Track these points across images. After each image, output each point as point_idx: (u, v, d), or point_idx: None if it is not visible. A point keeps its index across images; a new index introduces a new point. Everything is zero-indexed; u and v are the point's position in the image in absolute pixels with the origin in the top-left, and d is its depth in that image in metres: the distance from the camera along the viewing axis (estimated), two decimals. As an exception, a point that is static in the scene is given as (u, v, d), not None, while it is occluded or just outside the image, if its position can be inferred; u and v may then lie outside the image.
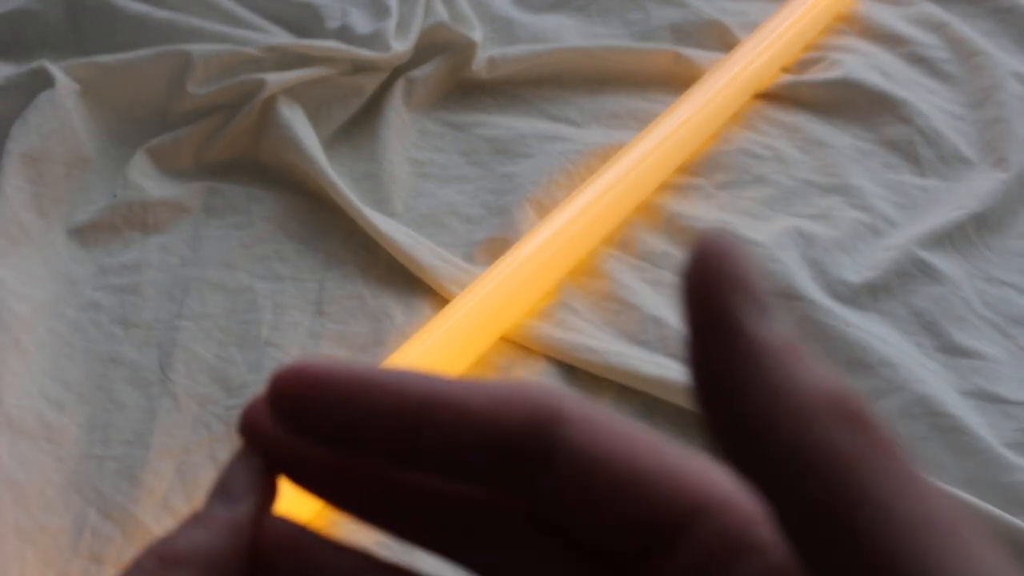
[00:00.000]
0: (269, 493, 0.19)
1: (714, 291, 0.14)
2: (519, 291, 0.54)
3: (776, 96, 0.73)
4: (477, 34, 0.72)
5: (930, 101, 0.72)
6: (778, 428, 0.14)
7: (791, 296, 0.56)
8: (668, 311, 0.56)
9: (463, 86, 0.72)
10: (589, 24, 0.79)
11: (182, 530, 0.18)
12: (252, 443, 0.19)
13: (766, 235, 0.60)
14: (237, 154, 0.65)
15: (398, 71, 0.70)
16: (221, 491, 0.19)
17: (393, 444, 0.17)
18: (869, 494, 0.13)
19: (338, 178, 0.61)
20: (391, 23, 0.71)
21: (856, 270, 0.59)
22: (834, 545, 0.13)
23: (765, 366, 0.14)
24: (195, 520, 0.18)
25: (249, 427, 0.19)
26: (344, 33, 0.71)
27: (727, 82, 0.68)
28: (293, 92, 0.65)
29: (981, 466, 0.49)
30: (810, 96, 0.72)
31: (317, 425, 0.18)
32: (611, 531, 0.17)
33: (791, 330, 0.14)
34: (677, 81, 0.73)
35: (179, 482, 0.47)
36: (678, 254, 0.60)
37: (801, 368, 0.14)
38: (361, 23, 0.72)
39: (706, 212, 0.62)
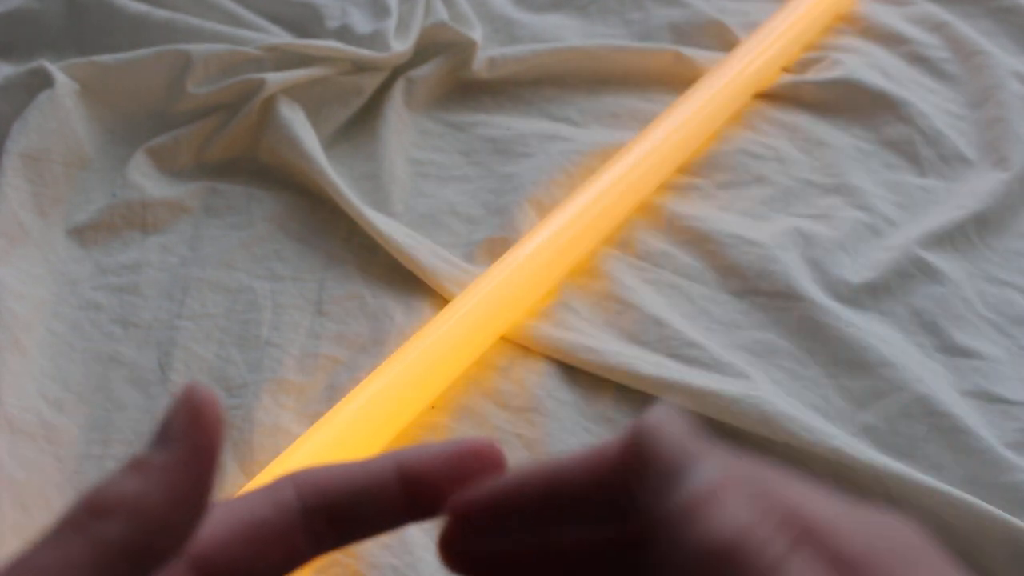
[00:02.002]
0: (207, 436, 0.18)
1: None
2: (519, 291, 0.54)
3: (776, 96, 0.72)
4: (477, 34, 0.72)
5: (931, 101, 0.72)
6: None
7: (791, 296, 0.56)
8: (668, 311, 0.56)
9: (463, 86, 0.72)
10: (589, 24, 0.79)
11: (114, 478, 0.18)
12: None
13: (766, 235, 0.60)
14: (237, 154, 0.64)
15: (398, 71, 0.70)
16: (160, 436, 0.18)
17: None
18: None
19: (338, 178, 0.61)
20: (391, 23, 0.71)
21: (856, 270, 0.59)
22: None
23: None
24: (129, 467, 0.18)
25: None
26: (344, 33, 0.71)
27: (727, 82, 0.68)
28: (293, 92, 0.65)
29: (981, 466, 0.49)
30: (810, 96, 0.72)
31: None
32: None
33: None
34: (677, 81, 0.72)
35: (179, 482, 0.47)
36: (678, 254, 0.60)
37: None
38: (361, 23, 0.72)
39: (706, 212, 0.62)
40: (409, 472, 0.21)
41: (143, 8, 0.70)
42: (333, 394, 0.51)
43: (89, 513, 0.17)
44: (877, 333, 0.55)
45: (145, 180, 0.61)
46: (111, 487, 0.17)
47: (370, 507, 0.21)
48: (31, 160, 0.60)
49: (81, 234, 0.59)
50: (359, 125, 0.68)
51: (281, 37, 0.70)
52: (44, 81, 0.62)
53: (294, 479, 0.20)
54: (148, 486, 0.17)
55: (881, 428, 0.51)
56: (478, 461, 0.21)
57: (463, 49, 0.71)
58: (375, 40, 0.70)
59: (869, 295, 0.58)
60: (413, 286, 0.57)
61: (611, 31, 0.78)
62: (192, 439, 0.18)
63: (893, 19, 0.80)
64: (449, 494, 0.21)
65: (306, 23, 0.73)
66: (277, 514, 0.20)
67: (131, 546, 0.17)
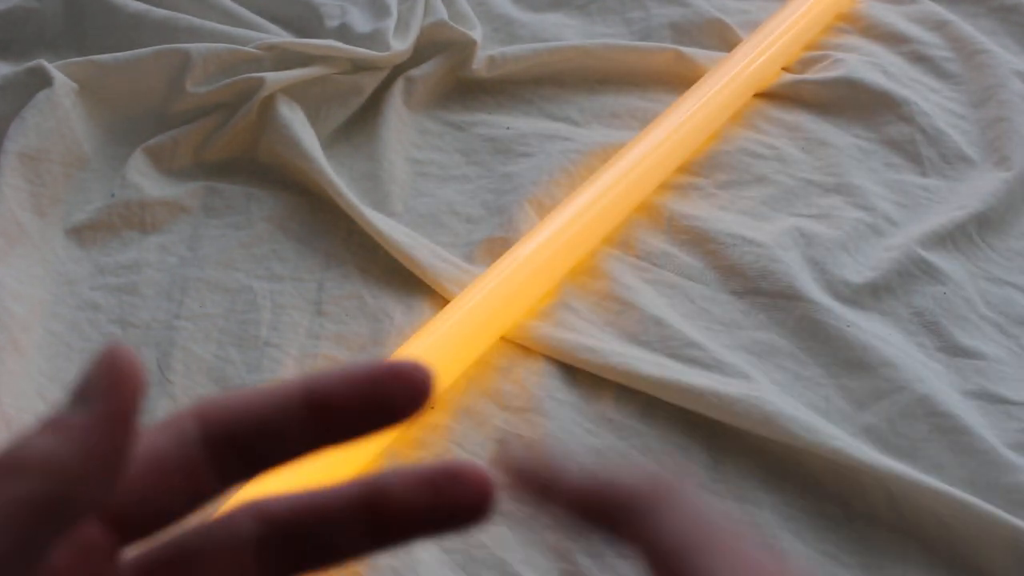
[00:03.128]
0: (127, 396, 0.17)
1: None
2: (519, 291, 0.54)
3: (777, 95, 0.72)
4: (477, 33, 0.72)
5: (932, 100, 0.72)
6: None
7: (792, 296, 0.56)
8: (668, 311, 0.56)
9: (463, 85, 0.72)
10: (589, 23, 0.79)
11: (30, 436, 0.17)
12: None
13: (767, 235, 0.60)
14: (236, 153, 0.64)
15: (398, 70, 0.70)
16: (77, 395, 0.17)
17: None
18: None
19: (337, 178, 0.61)
20: (391, 22, 0.71)
21: (857, 270, 0.59)
22: None
23: None
24: (46, 426, 0.17)
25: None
26: (344, 32, 0.71)
27: (728, 81, 0.68)
28: (292, 91, 0.65)
29: (983, 467, 0.49)
30: (811, 95, 0.72)
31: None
32: None
33: None
34: (678, 80, 0.72)
35: (177, 483, 0.47)
36: (679, 254, 0.60)
37: None
38: (361, 22, 0.72)
39: (707, 212, 0.62)
40: (316, 396, 0.19)
41: (142, 7, 0.69)
42: (332, 394, 0.51)
43: (3, 471, 0.17)
44: (878, 333, 0.55)
45: (144, 180, 0.61)
46: (24, 446, 0.17)
47: (275, 435, 0.19)
48: (29, 160, 0.59)
49: (80, 234, 0.59)
50: (359, 125, 0.68)
51: (280, 36, 0.70)
52: (42, 80, 0.62)
53: (194, 410, 0.20)
54: (62, 444, 0.17)
55: (882, 428, 0.51)
56: (397, 381, 0.19)
57: (463, 48, 0.71)
58: (375, 39, 0.69)
59: (870, 295, 0.58)
60: (413, 286, 0.57)
61: (611, 30, 0.78)
62: (110, 399, 0.17)
63: (894, 18, 0.80)
64: (361, 419, 0.19)
65: (305, 22, 0.73)
66: (177, 447, 0.19)
67: (42, 504, 0.17)
